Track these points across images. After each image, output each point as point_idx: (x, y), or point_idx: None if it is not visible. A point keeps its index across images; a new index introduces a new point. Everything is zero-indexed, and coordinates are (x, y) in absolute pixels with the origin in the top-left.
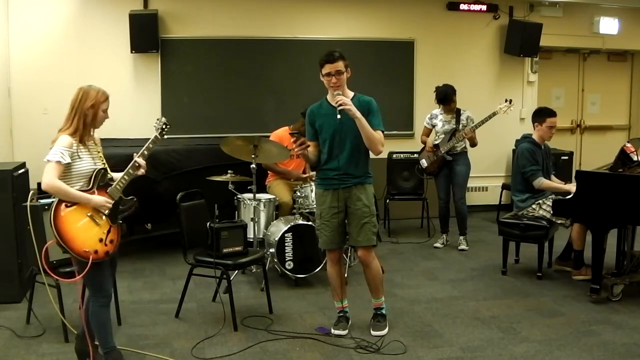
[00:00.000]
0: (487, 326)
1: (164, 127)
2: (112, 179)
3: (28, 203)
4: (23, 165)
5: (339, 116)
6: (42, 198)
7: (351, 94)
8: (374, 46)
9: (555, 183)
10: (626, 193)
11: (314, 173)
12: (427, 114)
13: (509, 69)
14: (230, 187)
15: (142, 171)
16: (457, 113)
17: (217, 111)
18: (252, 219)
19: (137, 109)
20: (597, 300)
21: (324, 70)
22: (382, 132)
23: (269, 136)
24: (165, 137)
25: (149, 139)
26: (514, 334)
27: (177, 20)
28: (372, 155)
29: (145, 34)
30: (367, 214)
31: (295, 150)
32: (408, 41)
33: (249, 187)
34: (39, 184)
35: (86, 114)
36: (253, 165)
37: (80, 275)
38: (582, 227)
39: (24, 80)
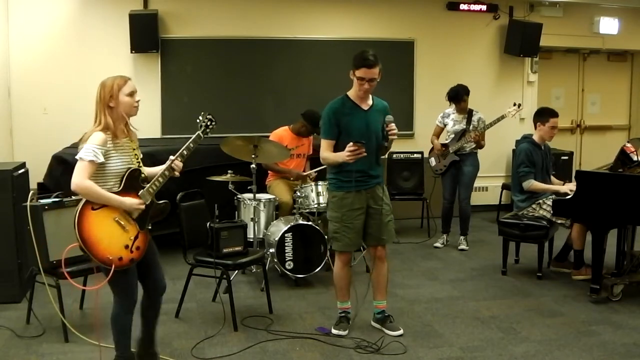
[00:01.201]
0: (487, 326)
1: (208, 123)
2: (145, 180)
3: (28, 203)
4: (23, 165)
5: (386, 144)
6: (42, 198)
7: (370, 101)
8: (374, 46)
9: (543, 185)
10: (626, 193)
11: (314, 172)
12: (427, 114)
13: (509, 69)
14: (230, 187)
15: (177, 174)
16: (469, 114)
17: (217, 111)
18: (252, 219)
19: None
20: (597, 300)
21: (358, 74)
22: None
23: (268, 136)
24: (209, 134)
25: (149, 139)
26: (514, 334)
27: (177, 20)
28: None
29: (145, 34)
30: (389, 212)
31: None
32: (408, 41)
33: (249, 187)
34: (39, 184)
35: (110, 105)
36: (253, 165)
37: (102, 283)
38: (582, 227)
39: (24, 80)
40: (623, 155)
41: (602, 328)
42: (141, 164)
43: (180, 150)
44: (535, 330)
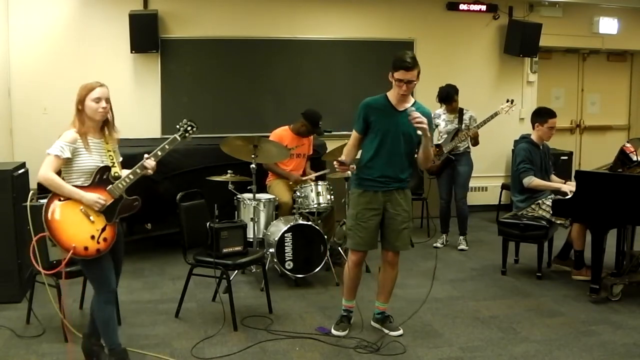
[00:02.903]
0: (487, 326)
1: (188, 128)
2: (115, 177)
3: (28, 203)
4: (23, 165)
5: (419, 132)
6: (42, 198)
7: (412, 100)
8: (374, 46)
9: (545, 182)
10: (626, 193)
11: (313, 176)
12: None
13: (508, 69)
14: (230, 187)
15: (149, 172)
16: (460, 113)
17: (217, 111)
18: (252, 219)
19: (137, 109)
20: (596, 300)
21: (397, 76)
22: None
23: (268, 136)
24: (190, 138)
25: (149, 139)
26: (513, 334)
27: (177, 20)
28: None
29: (145, 34)
30: (407, 219)
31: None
32: (408, 41)
33: (248, 187)
34: (39, 184)
35: (79, 109)
36: (253, 165)
37: (59, 268)
38: (581, 227)
39: (23, 81)
40: (623, 155)
41: (602, 328)
42: (116, 165)
43: (155, 151)
44: (535, 330)
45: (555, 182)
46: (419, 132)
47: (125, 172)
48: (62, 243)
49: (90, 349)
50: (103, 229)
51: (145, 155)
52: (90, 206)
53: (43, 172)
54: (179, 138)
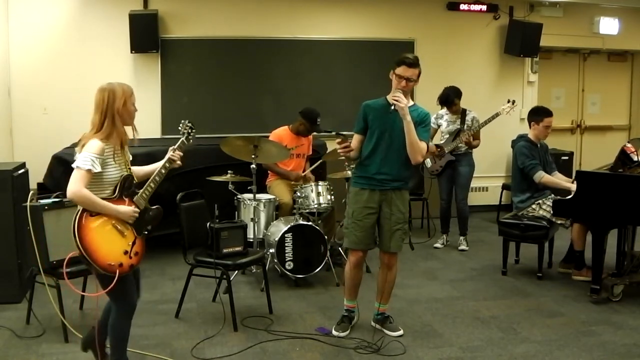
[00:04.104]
0: (487, 326)
1: (189, 131)
2: (137, 186)
3: (28, 203)
4: (23, 165)
5: (392, 107)
6: (42, 198)
7: (411, 102)
8: (374, 46)
9: (556, 179)
10: (626, 193)
11: (308, 171)
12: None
13: (509, 69)
14: (230, 187)
15: (179, 163)
16: (463, 114)
17: (217, 111)
18: (252, 219)
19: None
20: (597, 300)
21: (398, 71)
22: (427, 146)
23: (268, 136)
24: (191, 141)
25: (149, 139)
26: (514, 334)
27: (177, 20)
28: None
29: (145, 34)
30: (401, 221)
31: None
32: (408, 41)
33: (249, 187)
34: (38, 184)
35: (119, 114)
36: (253, 166)
37: (106, 290)
38: (582, 228)
39: (23, 81)
40: (623, 155)
41: (602, 328)
42: (131, 171)
43: (163, 162)
44: (535, 331)
45: (564, 181)
46: (392, 108)
47: (136, 172)
48: (98, 263)
49: (90, 343)
50: (133, 243)
51: (171, 148)
52: (126, 220)
53: (75, 188)
54: (186, 142)
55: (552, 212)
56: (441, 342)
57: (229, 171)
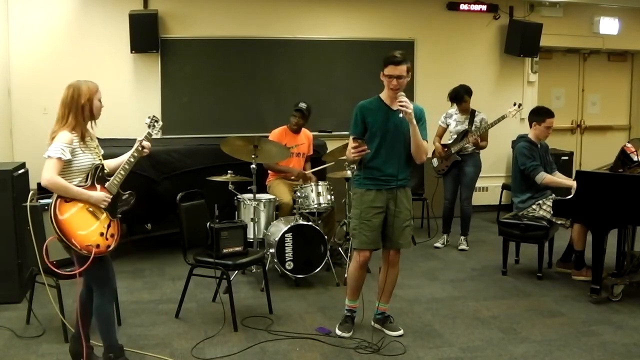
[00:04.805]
0: (487, 326)
1: (154, 123)
2: (109, 174)
3: (28, 203)
4: (23, 165)
5: (400, 115)
6: (42, 198)
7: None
8: (374, 46)
9: (557, 178)
10: (626, 193)
11: (310, 172)
12: (427, 114)
13: (509, 69)
14: (230, 187)
15: (146, 152)
16: (472, 114)
17: (217, 111)
18: (252, 219)
19: (137, 109)
20: (597, 300)
21: (386, 71)
22: (426, 142)
23: (268, 136)
24: (158, 134)
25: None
26: (514, 334)
27: (177, 20)
28: None
29: (145, 34)
30: (409, 217)
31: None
32: (408, 41)
33: (249, 187)
34: (39, 184)
35: (83, 109)
36: (253, 166)
37: (82, 268)
38: (582, 228)
39: (23, 81)
40: (623, 155)
41: (602, 328)
42: (102, 160)
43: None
44: (535, 331)
45: (565, 180)
46: (400, 115)
47: (108, 164)
48: (78, 244)
49: (78, 352)
50: (109, 225)
51: (138, 139)
52: (98, 204)
53: (48, 176)
54: (151, 132)
55: (552, 212)
56: (441, 342)
57: (229, 171)
